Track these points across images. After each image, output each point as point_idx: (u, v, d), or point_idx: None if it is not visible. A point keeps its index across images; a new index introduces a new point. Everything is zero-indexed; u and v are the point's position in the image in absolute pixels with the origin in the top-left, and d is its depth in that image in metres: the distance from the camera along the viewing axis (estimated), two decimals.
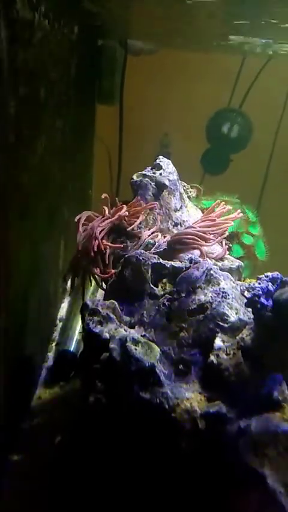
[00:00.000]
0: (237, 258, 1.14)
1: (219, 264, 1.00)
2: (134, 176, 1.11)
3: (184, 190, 1.21)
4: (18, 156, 0.88)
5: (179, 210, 1.12)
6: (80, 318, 1.07)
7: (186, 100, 1.95)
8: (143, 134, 1.97)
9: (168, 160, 1.15)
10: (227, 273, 0.89)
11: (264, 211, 1.51)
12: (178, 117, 1.96)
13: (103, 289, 1.01)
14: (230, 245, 1.22)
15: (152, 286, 0.89)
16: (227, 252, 1.07)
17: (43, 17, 0.98)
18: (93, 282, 1.42)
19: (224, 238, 1.05)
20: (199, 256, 0.94)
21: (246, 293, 0.70)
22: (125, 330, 0.80)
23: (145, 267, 0.89)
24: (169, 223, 1.08)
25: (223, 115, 1.87)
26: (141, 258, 0.89)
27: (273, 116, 1.95)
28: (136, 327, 0.84)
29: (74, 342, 1.24)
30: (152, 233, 1.01)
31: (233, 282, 0.87)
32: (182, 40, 1.65)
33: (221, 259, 1.03)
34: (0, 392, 0.88)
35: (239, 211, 1.08)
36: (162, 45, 1.83)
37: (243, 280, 1.13)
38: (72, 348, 1.22)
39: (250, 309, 0.74)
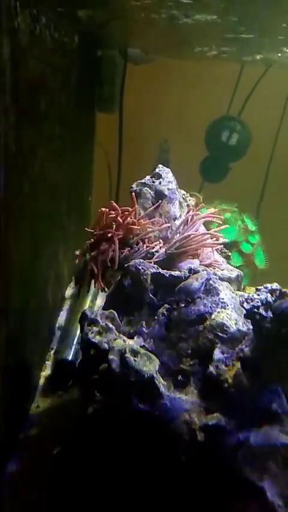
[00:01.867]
0: (236, 267, 1.15)
1: (219, 273, 1.00)
2: (134, 185, 1.11)
3: (183, 198, 1.21)
4: (19, 164, 0.88)
5: (178, 219, 1.12)
6: (78, 327, 1.07)
7: (185, 108, 1.96)
8: (143, 141, 1.97)
9: (168, 169, 1.15)
10: (226, 283, 0.89)
11: (263, 219, 1.52)
12: (177, 124, 1.96)
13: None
14: (229, 253, 1.23)
15: (151, 296, 0.89)
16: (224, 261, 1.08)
17: (44, 27, 0.98)
18: (92, 290, 1.43)
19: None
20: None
21: (245, 304, 0.70)
22: (124, 341, 0.80)
23: (144, 277, 0.89)
24: (168, 232, 1.08)
25: (222, 122, 1.88)
26: (140, 268, 0.89)
27: (272, 124, 1.95)
28: (135, 337, 0.83)
29: (73, 351, 1.23)
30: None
31: (232, 292, 0.87)
32: (182, 49, 1.66)
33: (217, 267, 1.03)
34: None
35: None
36: (161, 53, 1.84)
37: (243, 289, 1.13)
38: (70, 356, 1.22)
39: (249, 320, 0.73)
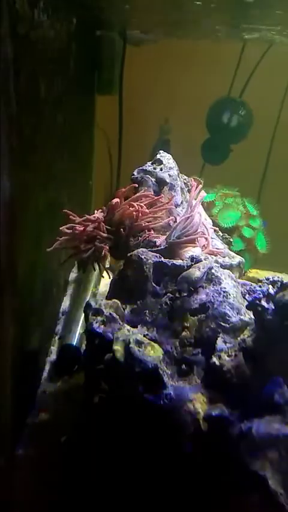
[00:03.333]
0: (238, 251, 1.15)
1: (220, 260, 1.00)
2: (135, 172, 1.11)
3: (184, 183, 1.21)
4: (20, 150, 0.88)
5: (179, 205, 1.12)
6: (82, 312, 1.08)
7: (186, 89, 1.93)
8: (143, 123, 1.95)
9: (169, 155, 1.15)
10: (228, 271, 0.90)
11: (264, 203, 1.52)
12: (178, 106, 1.94)
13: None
14: (231, 239, 1.23)
15: (154, 284, 0.89)
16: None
17: (42, 11, 0.97)
18: (95, 275, 1.44)
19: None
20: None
21: (247, 296, 0.71)
22: (128, 330, 0.81)
23: (147, 266, 0.89)
24: (171, 220, 1.08)
25: (223, 104, 1.85)
26: (142, 257, 0.90)
27: (273, 105, 1.93)
28: (139, 326, 0.84)
29: (77, 336, 1.25)
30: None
31: (234, 281, 0.88)
32: (182, 29, 1.63)
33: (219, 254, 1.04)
34: (6, 385, 0.90)
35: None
36: (161, 34, 1.81)
37: (245, 273, 1.14)
38: (75, 341, 1.23)
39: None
